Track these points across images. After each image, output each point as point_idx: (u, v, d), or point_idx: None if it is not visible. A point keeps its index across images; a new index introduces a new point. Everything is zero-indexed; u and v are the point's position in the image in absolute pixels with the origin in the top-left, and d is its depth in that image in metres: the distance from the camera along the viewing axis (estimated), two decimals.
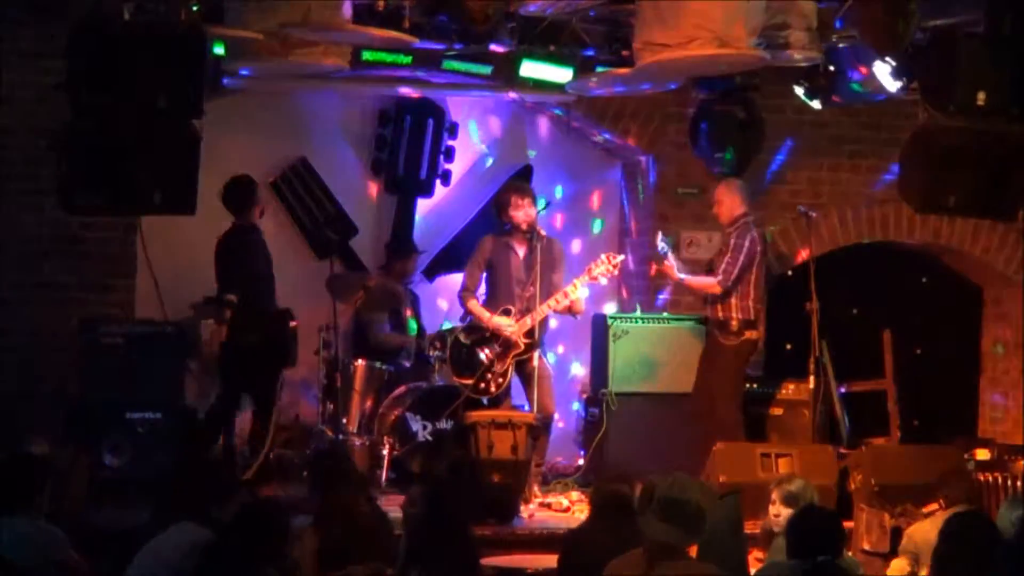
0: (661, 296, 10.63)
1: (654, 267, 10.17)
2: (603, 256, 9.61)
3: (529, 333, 9.41)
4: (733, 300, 9.51)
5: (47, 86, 8.96)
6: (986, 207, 8.17)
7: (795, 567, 5.59)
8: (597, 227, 11.38)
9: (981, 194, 7.88)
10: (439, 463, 7.59)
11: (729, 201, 9.69)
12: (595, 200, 11.40)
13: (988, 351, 11.49)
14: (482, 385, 9.52)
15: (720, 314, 9.55)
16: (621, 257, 9.70)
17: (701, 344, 9.81)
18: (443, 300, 11.00)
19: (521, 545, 7.96)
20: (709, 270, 9.81)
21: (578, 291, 9.52)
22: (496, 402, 9.53)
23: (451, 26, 8.69)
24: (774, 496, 7.07)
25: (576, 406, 10.81)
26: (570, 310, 9.62)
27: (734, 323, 9.50)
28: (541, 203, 9.77)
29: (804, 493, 6.92)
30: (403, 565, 5.91)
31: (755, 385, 10.04)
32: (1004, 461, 8.84)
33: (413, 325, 10.39)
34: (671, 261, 9.70)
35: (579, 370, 11.02)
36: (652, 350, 9.98)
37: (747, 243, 9.50)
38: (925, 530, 7.15)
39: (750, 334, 9.55)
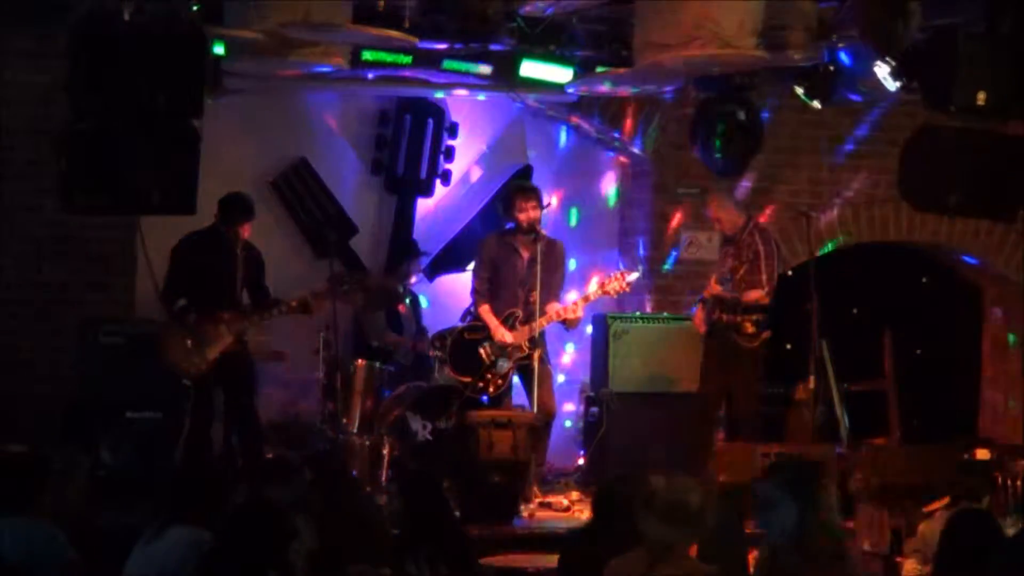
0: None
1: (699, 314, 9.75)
2: (617, 272, 9.66)
3: (532, 336, 9.42)
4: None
5: (47, 86, 8.99)
6: (986, 207, 8.17)
7: None
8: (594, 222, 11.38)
9: (981, 194, 7.88)
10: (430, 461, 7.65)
11: (726, 214, 9.69)
12: (594, 200, 11.40)
13: (989, 350, 11.50)
14: (481, 384, 9.54)
15: (741, 318, 9.49)
16: (635, 275, 9.70)
17: (700, 344, 9.77)
18: (443, 300, 10.99)
19: (521, 545, 7.95)
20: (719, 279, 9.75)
21: (581, 311, 9.54)
22: (496, 402, 9.53)
23: (451, 26, 8.70)
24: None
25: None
26: (566, 322, 9.61)
27: (757, 325, 9.50)
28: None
29: None
30: (398, 561, 5.93)
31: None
32: (1004, 461, 8.84)
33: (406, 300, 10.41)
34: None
35: (579, 370, 11.03)
36: (652, 350, 9.98)
37: (774, 247, 9.51)
38: (934, 528, 7.16)
39: (766, 334, 9.55)
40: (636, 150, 10.93)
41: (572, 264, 10.48)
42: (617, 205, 11.36)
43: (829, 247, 10.90)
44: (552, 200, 10.52)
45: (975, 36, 7.63)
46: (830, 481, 5.42)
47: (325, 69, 8.91)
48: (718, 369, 9.57)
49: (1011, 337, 11.39)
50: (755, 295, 9.45)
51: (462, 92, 10.56)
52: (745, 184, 10.55)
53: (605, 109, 10.65)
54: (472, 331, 9.71)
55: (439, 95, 10.73)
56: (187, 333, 8.98)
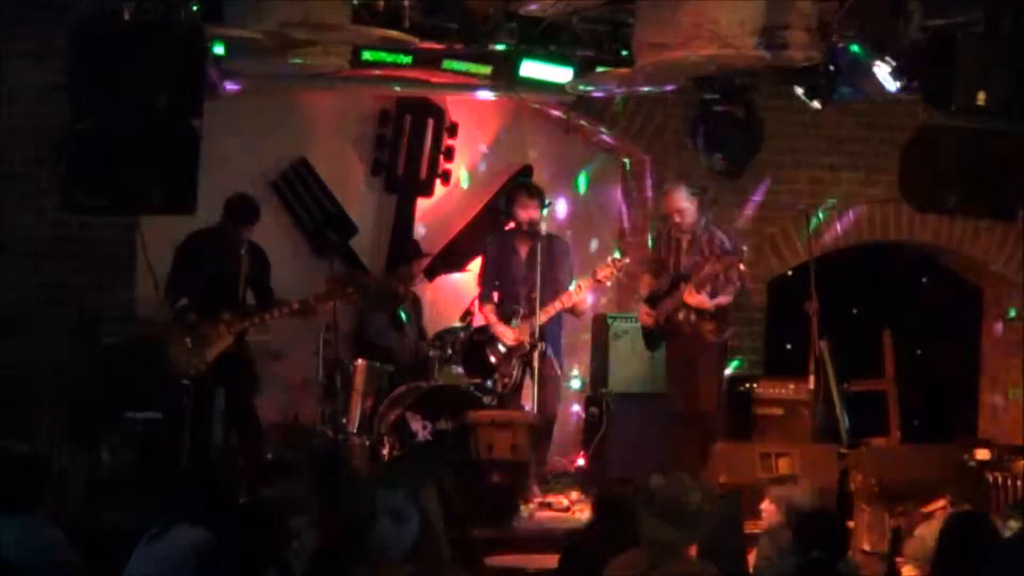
0: None
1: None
2: (609, 259, 9.65)
3: (533, 333, 9.42)
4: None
5: (47, 86, 8.99)
6: (986, 207, 8.17)
7: (792, 566, 5.60)
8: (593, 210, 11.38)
9: (981, 194, 7.88)
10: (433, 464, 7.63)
11: (691, 205, 9.66)
12: (594, 200, 11.40)
13: (989, 350, 11.50)
14: (490, 384, 9.56)
15: (705, 317, 9.47)
16: (626, 260, 9.72)
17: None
18: (443, 300, 10.99)
19: (521, 545, 7.95)
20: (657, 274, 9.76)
21: (583, 293, 9.55)
22: (505, 401, 9.55)
23: (451, 26, 8.69)
24: (766, 495, 7.02)
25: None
26: (572, 311, 9.63)
27: (719, 322, 9.49)
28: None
29: (794, 499, 6.81)
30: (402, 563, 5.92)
31: (755, 385, 10.04)
32: (1004, 461, 8.84)
33: (403, 316, 10.39)
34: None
35: (579, 370, 11.03)
36: (652, 350, 9.97)
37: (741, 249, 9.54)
38: (932, 530, 7.15)
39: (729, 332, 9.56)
40: (636, 150, 10.92)
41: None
42: (617, 205, 11.36)
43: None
44: (552, 200, 10.51)
45: (975, 36, 7.63)
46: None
47: (325, 69, 8.91)
48: (685, 367, 9.52)
49: (1009, 317, 11.39)
50: (726, 301, 9.38)
51: (462, 92, 10.56)
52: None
53: (605, 109, 10.65)
54: (479, 332, 9.74)
55: (439, 95, 10.74)
56: (187, 333, 8.99)
